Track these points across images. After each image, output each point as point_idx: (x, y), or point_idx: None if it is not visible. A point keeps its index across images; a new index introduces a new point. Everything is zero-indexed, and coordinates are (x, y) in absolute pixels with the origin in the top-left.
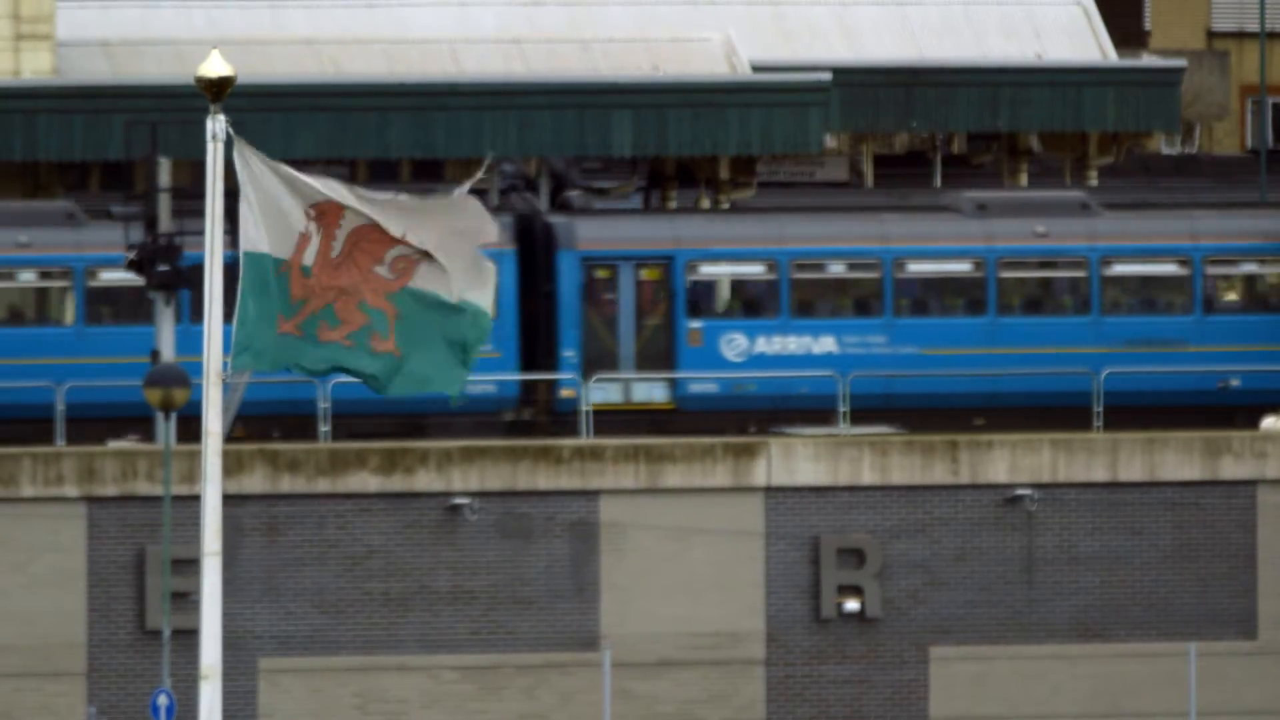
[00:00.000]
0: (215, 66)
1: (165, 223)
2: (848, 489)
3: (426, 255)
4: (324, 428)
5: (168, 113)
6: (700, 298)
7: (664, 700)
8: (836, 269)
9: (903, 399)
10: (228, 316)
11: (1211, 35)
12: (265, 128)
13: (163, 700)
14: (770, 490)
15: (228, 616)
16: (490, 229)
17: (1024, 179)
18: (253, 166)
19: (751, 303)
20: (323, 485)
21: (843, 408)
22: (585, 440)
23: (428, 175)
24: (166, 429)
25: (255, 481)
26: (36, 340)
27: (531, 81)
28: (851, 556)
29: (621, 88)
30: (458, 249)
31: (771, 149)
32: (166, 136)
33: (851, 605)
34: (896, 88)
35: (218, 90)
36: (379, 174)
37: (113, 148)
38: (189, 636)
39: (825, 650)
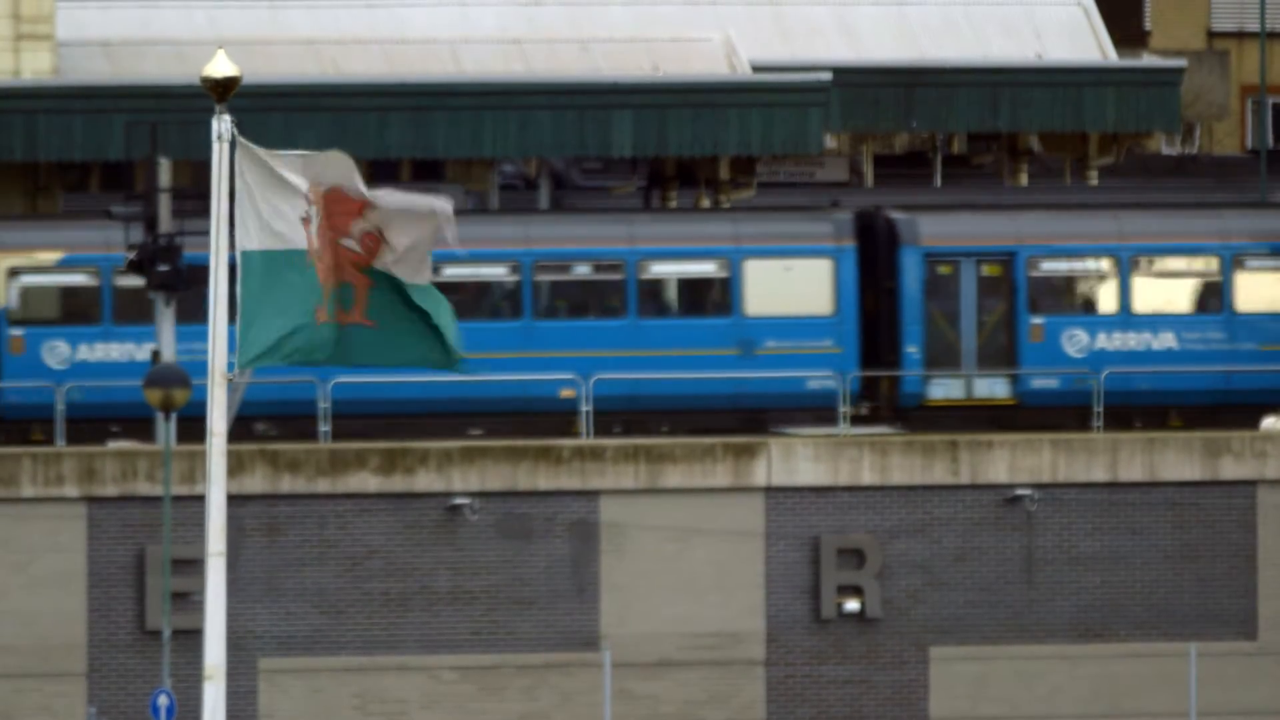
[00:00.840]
0: (221, 67)
1: (165, 223)
2: (848, 489)
3: (383, 236)
4: (324, 427)
5: (168, 113)
6: (1041, 294)
7: (664, 701)
8: (1176, 265)
9: (1241, 395)
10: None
11: (1212, 35)
12: (265, 128)
13: (163, 700)
14: (770, 490)
15: (228, 616)
16: (450, 231)
17: (1024, 179)
18: (252, 162)
19: (1092, 298)
20: (323, 485)
21: (844, 408)
22: (585, 440)
23: (428, 175)
24: (167, 429)
25: (256, 482)
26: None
27: (531, 81)
28: (851, 557)
29: (622, 88)
30: (416, 241)
31: (771, 149)
32: (167, 137)
33: (851, 605)
34: (896, 88)
35: (223, 90)
36: (379, 174)
37: (113, 148)
38: (189, 637)
39: (825, 650)
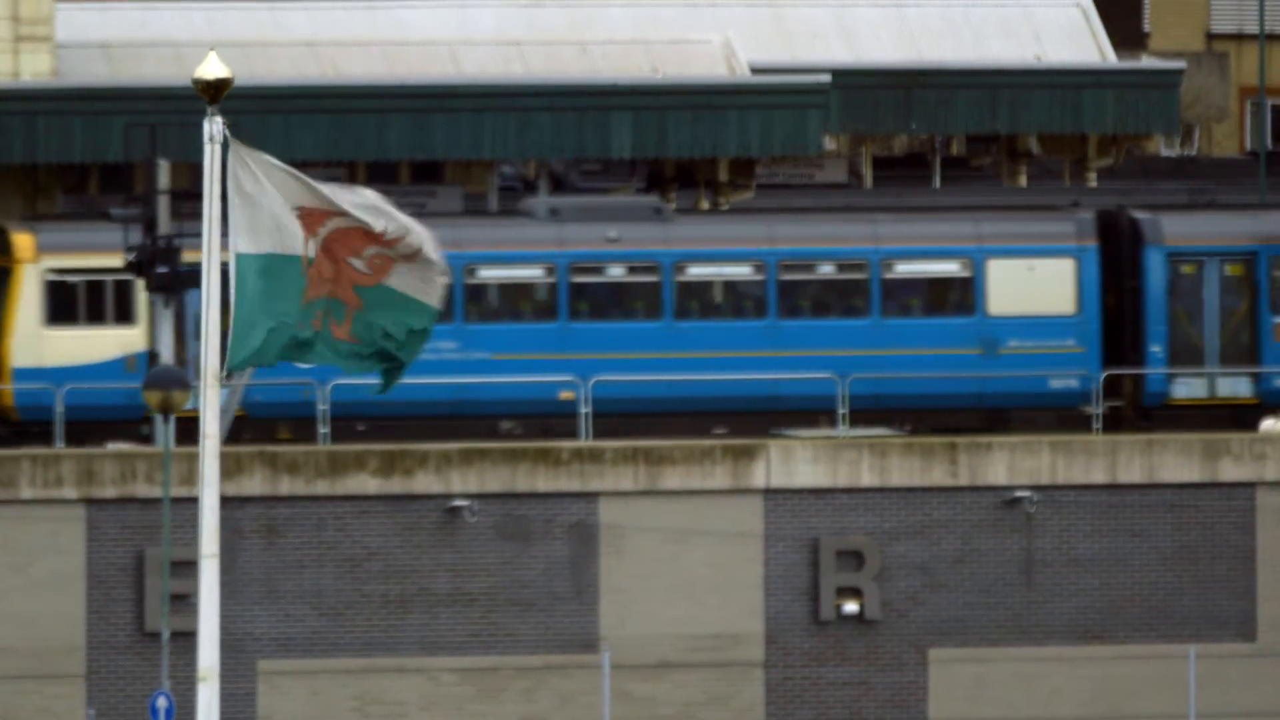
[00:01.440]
0: (212, 68)
1: (164, 225)
2: (847, 491)
3: (406, 259)
4: (323, 429)
5: (167, 114)
6: None
7: (663, 702)
8: None
9: None
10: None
11: (1211, 37)
12: (265, 130)
13: (162, 703)
14: (769, 492)
15: (227, 618)
16: (440, 282)
17: (1023, 181)
18: (250, 166)
19: None
20: (322, 487)
21: (842, 409)
22: (584, 442)
23: (427, 177)
24: (165, 431)
25: (254, 483)
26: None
27: (531, 83)
28: (851, 558)
29: (621, 89)
30: (424, 268)
31: (770, 151)
32: (166, 138)
33: (850, 607)
34: (896, 89)
35: (215, 92)
36: (378, 176)
37: (112, 149)
38: (188, 639)
39: (824, 652)
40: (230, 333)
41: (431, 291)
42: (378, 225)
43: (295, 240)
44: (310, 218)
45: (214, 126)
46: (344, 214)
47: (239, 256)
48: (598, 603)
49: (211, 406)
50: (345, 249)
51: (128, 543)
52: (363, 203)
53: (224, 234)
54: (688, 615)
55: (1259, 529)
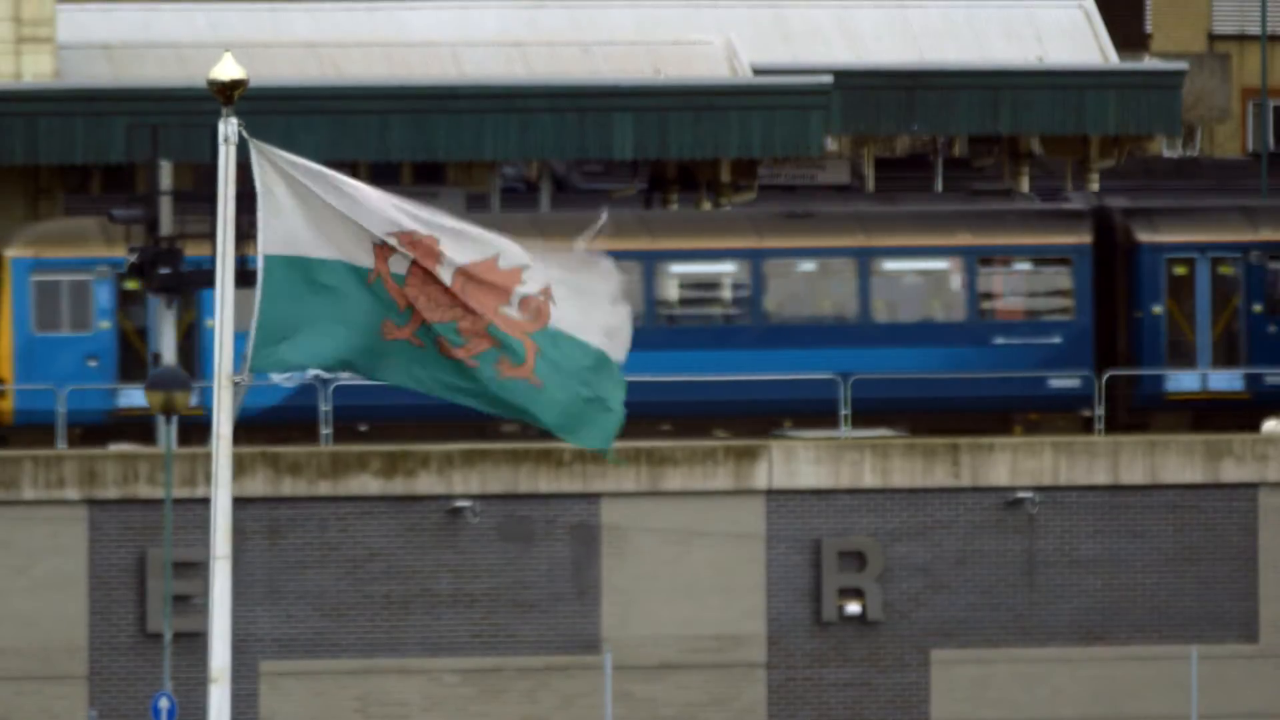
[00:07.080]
0: (227, 69)
1: (167, 226)
2: (849, 492)
3: (549, 296)
4: (325, 430)
5: (169, 115)
6: None
7: (665, 703)
8: None
9: None
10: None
11: (1213, 38)
12: (266, 131)
13: (163, 703)
14: (771, 493)
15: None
16: (610, 279)
17: (1025, 182)
18: (279, 167)
19: None
20: (324, 488)
21: (844, 410)
22: None
23: (429, 178)
24: (168, 432)
25: (257, 484)
26: None
27: (532, 84)
28: (853, 559)
29: (622, 90)
30: (584, 293)
31: (772, 152)
32: (168, 139)
33: (853, 608)
34: (898, 90)
35: (229, 93)
36: (379, 177)
37: (114, 150)
38: (190, 640)
39: (826, 653)
40: (253, 334)
41: (591, 326)
42: (509, 263)
43: (366, 253)
44: (419, 245)
45: (229, 127)
46: (458, 244)
47: (268, 258)
48: (599, 604)
49: (225, 408)
50: (492, 296)
51: (129, 544)
52: (485, 238)
53: (239, 236)
54: (690, 616)
55: (1261, 530)
